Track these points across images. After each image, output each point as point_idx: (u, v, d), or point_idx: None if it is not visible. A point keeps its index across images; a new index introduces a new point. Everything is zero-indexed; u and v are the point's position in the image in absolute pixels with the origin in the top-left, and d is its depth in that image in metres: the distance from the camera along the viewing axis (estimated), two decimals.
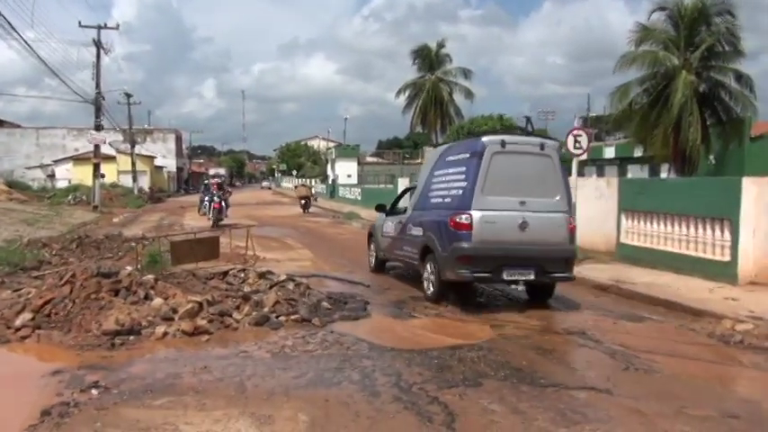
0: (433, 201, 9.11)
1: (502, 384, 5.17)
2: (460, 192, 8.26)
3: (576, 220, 8.74)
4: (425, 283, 8.90)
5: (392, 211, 11.06)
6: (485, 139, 8.30)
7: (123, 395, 4.78)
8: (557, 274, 8.29)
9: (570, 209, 8.45)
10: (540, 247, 8.11)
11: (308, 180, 59.55)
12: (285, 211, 30.97)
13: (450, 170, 8.80)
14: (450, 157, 9.01)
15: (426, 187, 9.49)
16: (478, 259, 7.99)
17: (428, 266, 8.78)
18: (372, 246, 11.65)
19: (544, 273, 8.16)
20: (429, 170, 9.63)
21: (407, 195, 10.86)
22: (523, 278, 8.14)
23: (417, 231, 9.32)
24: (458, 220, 8.06)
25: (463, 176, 8.32)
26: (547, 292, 8.78)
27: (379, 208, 11.71)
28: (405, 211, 10.26)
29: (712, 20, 23.98)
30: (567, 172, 9.31)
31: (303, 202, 30.24)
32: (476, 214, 7.96)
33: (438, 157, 9.49)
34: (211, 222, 20.09)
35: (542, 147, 8.33)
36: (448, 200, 8.60)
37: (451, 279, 8.27)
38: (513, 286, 8.45)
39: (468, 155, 8.41)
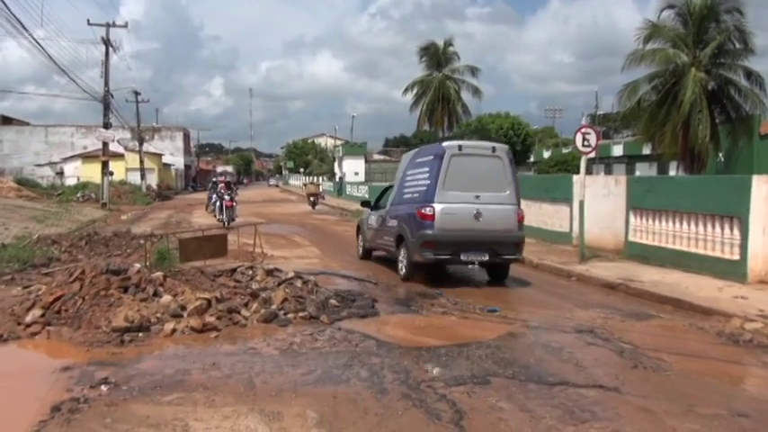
0: (406, 196, 10.57)
1: (510, 382, 5.17)
2: (425, 188, 9.73)
3: (523, 211, 9.96)
4: (399, 265, 10.29)
5: (375, 206, 12.36)
6: (445, 144, 9.92)
7: (133, 391, 4.80)
8: (507, 256, 9.71)
9: (519, 201, 9.81)
10: (492, 233, 9.50)
11: (315, 178, 59.76)
12: (293, 209, 31.04)
13: (418, 170, 10.30)
14: (419, 159, 10.53)
15: (401, 185, 10.97)
16: (440, 244, 9.40)
17: (401, 251, 10.19)
18: (360, 237, 13.12)
19: (497, 255, 9.56)
20: (403, 171, 11.10)
21: (388, 193, 12.02)
22: (478, 259, 9.54)
23: (393, 223, 10.76)
24: (423, 211, 9.50)
25: (428, 175, 9.78)
26: (502, 272, 10.17)
27: (365, 204, 13.31)
28: (385, 206, 11.57)
29: (721, 17, 23.85)
30: (517, 171, 10.56)
31: (312, 199, 31.11)
32: (438, 206, 9.40)
33: (410, 160, 11.02)
34: (225, 222, 18.93)
35: (494, 149, 9.81)
36: (416, 195, 10.05)
37: (419, 261, 9.70)
38: (470, 266, 9.81)
39: (431, 157, 9.89)
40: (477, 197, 9.39)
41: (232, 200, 20.04)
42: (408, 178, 10.63)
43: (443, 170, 9.39)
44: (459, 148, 9.63)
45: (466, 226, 9.36)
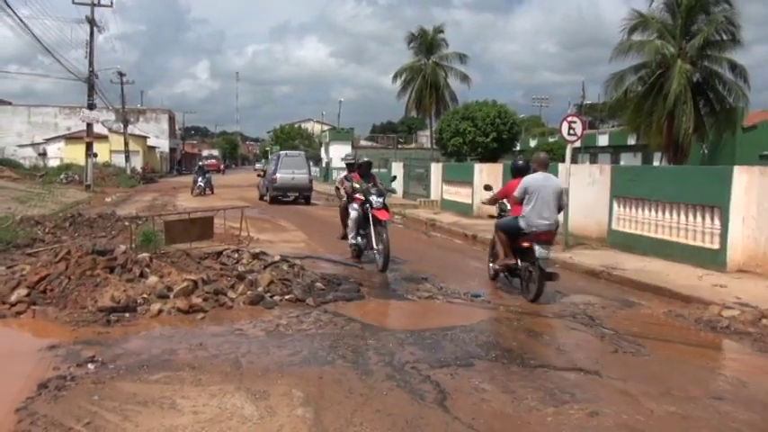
0: (269, 171, 25.10)
1: (493, 365, 5.27)
2: (275, 168, 24.45)
3: (312, 178, 26.61)
4: (266, 197, 24.74)
5: (264, 176, 26.07)
6: (281, 152, 28.41)
7: (120, 370, 4.83)
8: (305, 194, 24.68)
9: (310, 175, 25.64)
10: (298, 186, 24.25)
11: None
12: None
13: (274, 161, 25.78)
14: (274, 157, 27.87)
15: (271, 167, 25.67)
16: (279, 189, 24.10)
17: (268, 194, 24.28)
18: (259, 191, 26.90)
19: (300, 194, 24.67)
20: (272, 160, 28.32)
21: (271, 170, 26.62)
22: (294, 195, 24.56)
23: (267, 182, 24.81)
24: (273, 177, 24.06)
25: (276, 163, 24.77)
26: (306, 200, 24.65)
27: (259, 175, 28.00)
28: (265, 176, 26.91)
29: (710, 9, 24.01)
30: (311, 162, 32.83)
31: None
32: (278, 175, 23.89)
33: (275, 156, 27.59)
34: (380, 265, 9.36)
35: (299, 154, 27.26)
36: (272, 171, 24.58)
37: (272, 195, 24.17)
38: (289, 197, 24.48)
39: (277, 157, 25.69)
40: (293, 172, 24.01)
41: (385, 206, 9.83)
42: (272, 164, 25.81)
43: (280, 161, 24.40)
44: (287, 154, 26.23)
45: (288, 183, 23.96)
